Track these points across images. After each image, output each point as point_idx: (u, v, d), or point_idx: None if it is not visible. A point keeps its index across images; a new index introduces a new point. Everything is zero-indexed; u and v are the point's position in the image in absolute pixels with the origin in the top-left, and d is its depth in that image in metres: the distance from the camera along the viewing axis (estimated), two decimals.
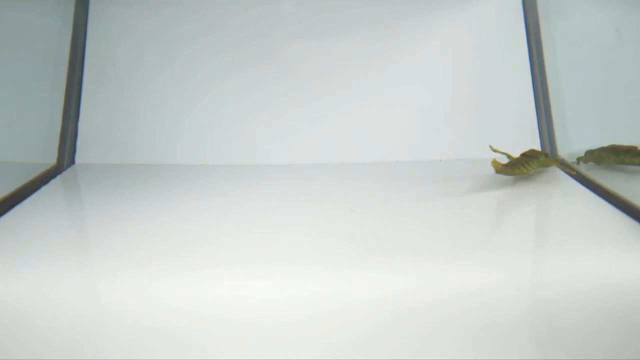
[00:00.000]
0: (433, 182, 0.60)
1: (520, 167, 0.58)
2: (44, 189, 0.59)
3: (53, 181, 0.61)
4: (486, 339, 0.39)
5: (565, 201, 0.55)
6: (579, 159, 0.62)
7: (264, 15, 0.69)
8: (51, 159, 0.65)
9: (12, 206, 0.53)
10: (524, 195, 0.57)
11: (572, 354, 0.39)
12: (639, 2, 0.67)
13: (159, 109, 0.68)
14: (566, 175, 0.60)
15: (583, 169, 0.61)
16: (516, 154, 0.62)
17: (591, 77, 0.67)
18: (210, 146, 0.67)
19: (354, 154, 0.67)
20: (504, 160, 0.59)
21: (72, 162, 0.67)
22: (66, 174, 0.64)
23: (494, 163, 0.56)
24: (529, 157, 0.59)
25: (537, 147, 0.67)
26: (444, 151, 0.67)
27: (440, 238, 0.46)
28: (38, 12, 0.67)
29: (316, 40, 0.69)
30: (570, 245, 0.45)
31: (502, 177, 0.60)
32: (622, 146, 0.60)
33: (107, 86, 0.68)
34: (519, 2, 0.69)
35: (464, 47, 0.69)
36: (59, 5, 0.69)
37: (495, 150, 0.59)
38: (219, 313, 0.39)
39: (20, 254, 0.44)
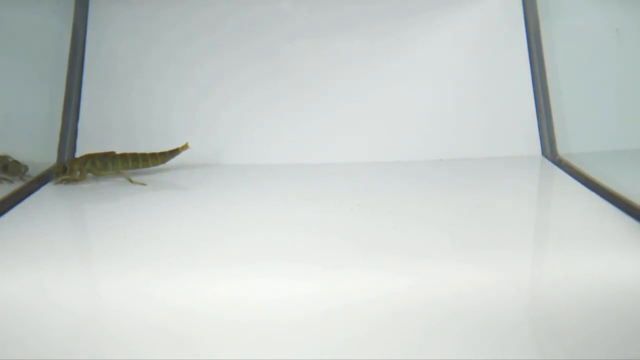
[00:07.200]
0: (433, 182, 0.60)
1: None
2: (43, 188, 0.59)
3: (53, 180, 0.61)
4: (486, 338, 0.39)
5: (565, 200, 0.55)
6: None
7: (265, 13, 0.69)
8: (51, 159, 0.65)
9: (12, 206, 0.53)
10: (524, 195, 0.57)
11: (572, 354, 0.39)
12: (639, 2, 0.67)
13: (158, 108, 0.68)
14: (566, 174, 0.60)
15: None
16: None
17: (591, 77, 0.67)
18: (211, 146, 0.67)
19: (355, 153, 0.67)
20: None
21: None
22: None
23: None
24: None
25: (537, 146, 0.67)
26: (443, 151, 0.67)
27: (440, 237, 0.46)
28: (37, 11, 0.67)
29: (317, 39, 0.69)
30: (570, 244, 0.45)
31: (502, 177, 0.61)
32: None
33: (107, 86, 0.68)
34: (519, 1, 0.69)
35: (463, 46, 0.69)
36: (58, 5, 0.69)
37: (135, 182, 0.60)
38: (219, 313, 0.39)
39: (19, 254, 0.44)
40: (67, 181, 0.60)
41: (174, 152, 0.62)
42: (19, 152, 0.60)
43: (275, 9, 0.69)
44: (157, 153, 0.62)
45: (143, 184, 0.60)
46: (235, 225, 0.49)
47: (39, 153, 0.65)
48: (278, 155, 0.67)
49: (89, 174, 0.61)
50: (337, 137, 0.67)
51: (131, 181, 0.60)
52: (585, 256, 0.43)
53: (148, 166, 0.62)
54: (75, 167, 0.60)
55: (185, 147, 0.62)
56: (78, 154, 0.66)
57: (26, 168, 0.59)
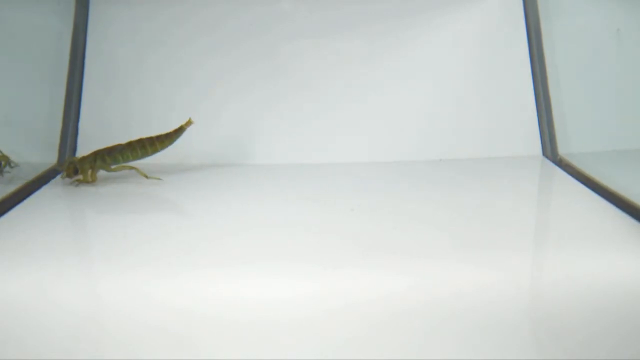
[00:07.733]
0: (433, 182, 0.60)
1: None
2: (44, 188, 0.59)
3: (53, 181, 0.61)
4: (486, 338, 0.39)
5: (565, 200, 0.55)
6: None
7: (265, 13, 0.69)
8: (51, 159, 0.65)
9: (12, 206, 0.53)
10: (525, 195, 0.57)
11: (572, 354, 0.39)
12: (639, 2, 0.67)
13: (158, 108, 0.68)
14: (566, 174, 0.60)
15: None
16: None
17: (591, 76, 0.67)
18: (211, 146, 0.67)
19: (355, 153, 0.67)
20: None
21: None
22: None
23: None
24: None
25: (538, 146, 0.67)
26: (443, 151, 0.67)
27: (440, 237, 0.46)
28: (37, 11, 0.67)
29: (317, 39, 0.69)
30: (570, 244, 0.45)
31: (502, 177, 0.61)
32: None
33: (107, 86, 0.68)
34: (519, 1, 0.69)
35: (463, 46, 0.69)
36: (58, 5, 0.69)
37: None
38: (219, 313, 0.39)
39: (20, 254, 0.44)
40: (79, 181, 0.59)
41: (179, 131, 0.61)
42: (19, 152, 0.60)
43: (275, 9, 0.69)
44: (163, 135, 0.61)
45: (159, 179, 0.59)
46: (235, 225, 0.49)
47: (39, 153, 0.65)
48: (278, 155, 0.67)
49: (102, 171, 0.60)
50: (337, 137, 0.67)
51: (147, 177, 0.59)
52: (585, 256, 0.43)
53: (157, 151, 0.60)
54: (86, 167, 0.59)
55: (189, 122, 0.61)
56: (78, 154, 0.66)
57: (7, 160, 0.59)
